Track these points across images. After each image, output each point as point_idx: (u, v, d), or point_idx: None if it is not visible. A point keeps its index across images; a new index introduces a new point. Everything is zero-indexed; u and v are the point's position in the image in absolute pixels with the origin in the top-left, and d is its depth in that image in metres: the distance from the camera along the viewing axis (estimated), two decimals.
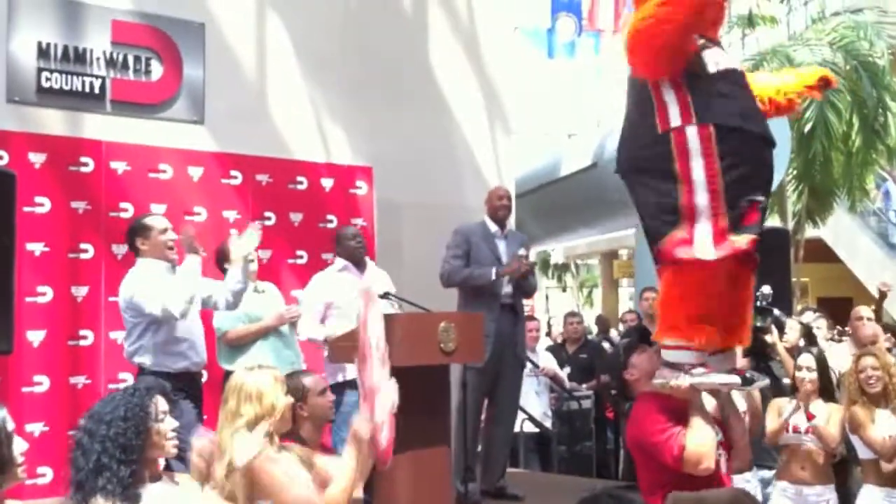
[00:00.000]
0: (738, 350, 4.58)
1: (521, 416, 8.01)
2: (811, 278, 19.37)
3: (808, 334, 6.96)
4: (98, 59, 7.28)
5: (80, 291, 6.81)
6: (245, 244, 5.65)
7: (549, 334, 14.89)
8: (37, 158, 6.73)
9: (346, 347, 4.79)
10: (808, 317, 8.06)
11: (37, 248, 6.63)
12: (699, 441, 4.03)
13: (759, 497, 6.06)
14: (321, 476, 3.68)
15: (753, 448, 5.91)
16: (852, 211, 16.37)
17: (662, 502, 3.19)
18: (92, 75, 7.25)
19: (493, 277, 6.68)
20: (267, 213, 7.71)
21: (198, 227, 6.98)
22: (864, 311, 7.49)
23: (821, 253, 17.69)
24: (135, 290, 5.42)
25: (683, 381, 4.08)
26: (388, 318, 4.19)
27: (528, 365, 7.85)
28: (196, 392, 5.60)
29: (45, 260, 6.66)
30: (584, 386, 9.66)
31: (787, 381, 6.16)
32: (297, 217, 7.90)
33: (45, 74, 7.06)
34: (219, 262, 6.15)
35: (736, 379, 4.20)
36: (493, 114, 9.73)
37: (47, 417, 6.51)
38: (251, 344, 6.23)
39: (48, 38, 7.09)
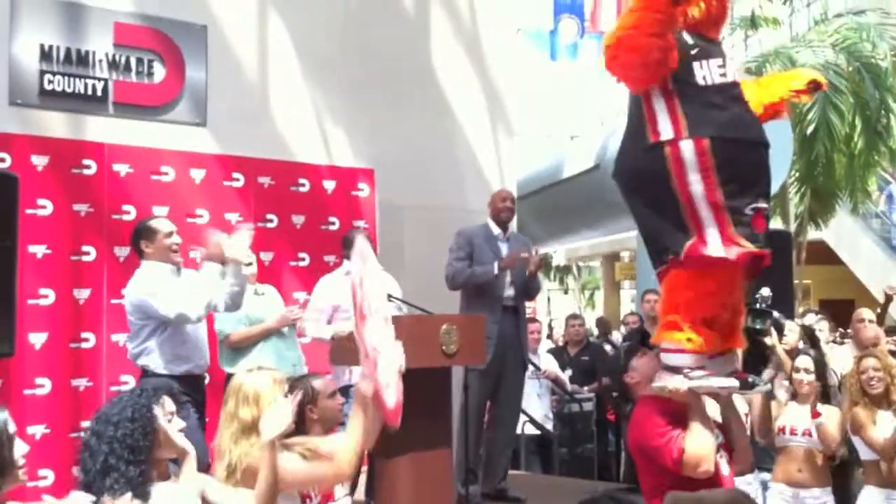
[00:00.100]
0: (739, 352, 4.57)
1: (522, 418, 8.01)
2: (813, 280, 19.37)
3: (810, 336, 6.96)
4: (100, 61, 7.29)
5: (82, 294, 6.81)
6: (235, 246, 5.58)
7: (550, 336, 14.86)
8: (39, 161, 6.73)
9: (348, 349, 4.79)
10: (810, 319, 8.07)
11: (39, 250, 6.63)
12: (698, 444, 4.03)
13: (760, 499, 6.07)
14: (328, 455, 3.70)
15: (754, 450, 5.92)
16: (854, 213, 16.38)
17: None
18: (94, 78, 7.26)
19: (496, 272, 6.70)
20: (269, 216, 7.71)
21: (200, 230, 7.00)
22: (866, 313, 7.49)
23: (823, 255, 17.69)
24: (147, 293, 5.42)
25: (682, 384, 4.08)
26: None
27: (530, 367, 7.85)
28: (199, 395, 5.60)
29: (47, 262, 6.66)
30: (585, 388, 9.66)
31: (786, 382, 6.16)
32: (298, 219, 7.90)
33: (47, 77, 7.06)
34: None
35: (734, 382, 4.18)
36: (495, 115, 9.73)
37: (49, 420, 6.51)
38: (252, 346, 6.23)
39: (50, 41, 7.09)
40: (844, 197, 15.06)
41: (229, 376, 5.23)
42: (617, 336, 12.95)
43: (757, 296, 5.34)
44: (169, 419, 3.29)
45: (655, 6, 3.83)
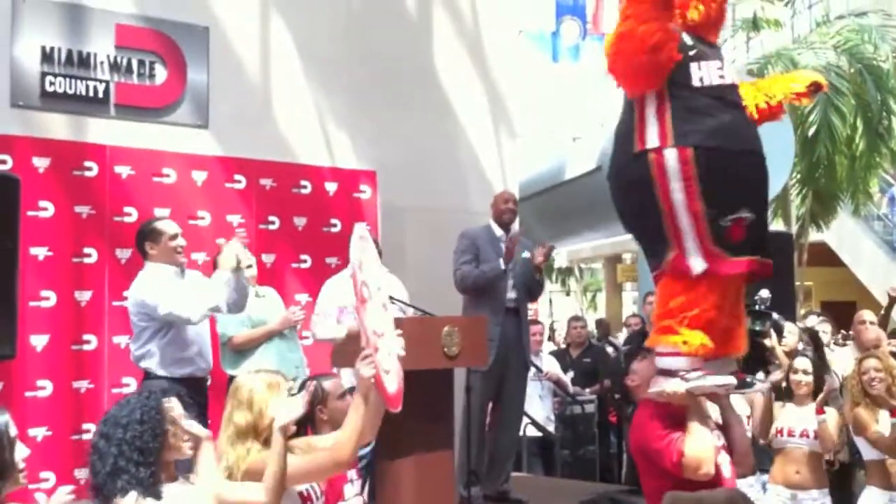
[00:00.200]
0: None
1: (524, 420, 8.01)
2: (815, 282, 19.36)
3: (814, 339, 6.95)
4: (102, 63, 7.28)
5: (84, 296, 6.80)
6: (228, 255, 5.56)
7: (551, 338, 14.86)
8: (41, 163, 6.72)
9: (349, 351, 4.79)
10: (812, 321, 8.06)
11: (40, 252, 6.62)
12: (697, 446, 4.02)
13: (761, 501, 6.06)
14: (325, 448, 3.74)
15: (756, 452, 5.92)
16: (856, 215, 16.38)
17: None
18: (96, 79, 7.24)
19: (504, 267, 6.72)
20: (271, 217, 7.70)
21: (202, 232, 7.01)
22: (868, 314, 7.50)
23: (824, 257, 17.69)
24: (148, 293, 5.41)
25: (679, 386, 4.07)
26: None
27: (532, 369, 7.85)
28: (201, 398, 5.60)
29: (48, 264, 6.65)
30: (587, 390, 9.67)
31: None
32: (300, 221, 7.89)
33: (48, 79, 7.05)
34: (215, 268, 6.15)
35: (731, 380, 4.17)
36: (497, 117, 9.72)
37: (50, 422, 6.50)
38: (255, 348, 6.23)
39: (52, 43, 7.08)
40: (846, 199, 15.06)
41: (231, 378, 5.24)
42: (621, 337, 12.96)
43: (756, 298, 5.35)
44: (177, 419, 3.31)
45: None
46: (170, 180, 7.25)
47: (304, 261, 7.86)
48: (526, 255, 6.89)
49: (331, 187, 8.11)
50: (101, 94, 7.25)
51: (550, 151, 17.16)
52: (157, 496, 3.14)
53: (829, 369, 6.78)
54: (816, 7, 17.32)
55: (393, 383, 3.57)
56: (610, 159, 4.41)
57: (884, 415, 5.72)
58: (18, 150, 6.65)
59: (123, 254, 6.81)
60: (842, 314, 9.63)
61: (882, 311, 7.85)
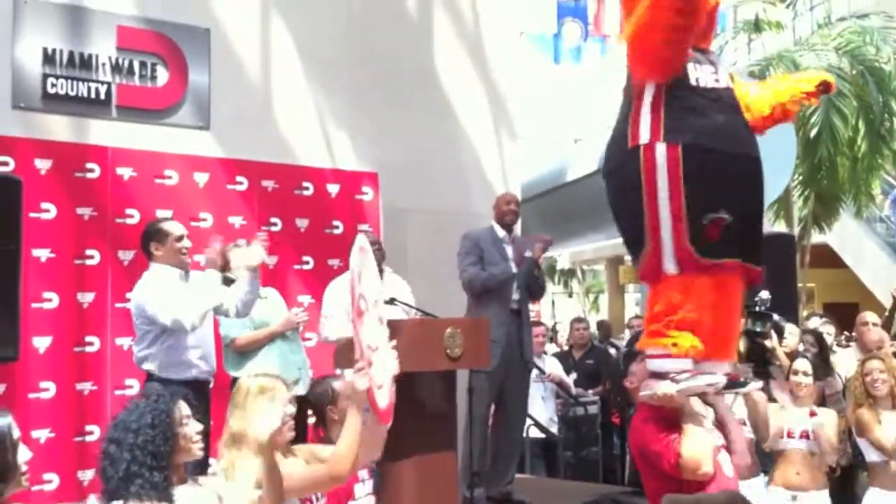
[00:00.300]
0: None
1: (527, 421, 8.00)
2: (817, 284, 19.31)
3: (819, 341, 6.95)
4: (103, 64, 7.27)
5: (86, 298, 6.80)
6: (250, 255, 5.63)
7: (554, 340, 14.85)
8: (42, 164, 6.73)
9: (349, 353, 4.79)
10: (815, 322, 8.06)
11: (43, 254, 6.62)
12: (694, 447, 4.02)
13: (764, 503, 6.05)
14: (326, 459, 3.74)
15: (759, 454, 5.91)
16: (858, 216, 16.35)
17: None
18: (97, 81, 7.24)
19: (514, 270, 6.72)
20: (273, 219, 7.71)
21: (203, 234, 7.00)
22: (870, 316, 7.50)
23: (827, 258, 17.66)
24: (148, 299, 5.40)
25: (669, 388, 4.06)
26: (394, 324, 4.18)
27: (535, 371, 7.84)
28: (203, 401, 5.59)
29: (50, 266, 6.65)
30: (590, 392, 9.67)
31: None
32: (302, 223, 7.90)
33: (50, 80, 7.05)
34: (220, 269, 6.15)
35: (721, 379, 4.13)
36: (498, 119, 9.72)
37: (53, 424, 6.50)
38: (258, 350, 6.22)
39: (53, 44, 7.08)
40: (848, 200, 15.02)
41: (234, 380, 5.23)
42: (625, 338, 12.95)
43: (756, 299, 5.34)
44: (185, 422, 3.31)
45: None
46: (171, 182, 7.26)
47: (307, 262, 7.86)
48: (528, 254, 6.89)
49: (333, 189, 8.12)
50: (102, 96, 7.25)
51: (552, 153, 17.19)
52: (170, 500, 3.13)
53: (832, 371, 6.78)
54: (818, 9, 17.28)
55: (384, 398, 3.57)
56: (605, 158, 4.42)
57: (887, 415, 5.72)
58: (20, 152, 6.65)
59: (126, 255, 6.82)
60: (844, 316, 9.62)
61: (886, 313, 7.84)
